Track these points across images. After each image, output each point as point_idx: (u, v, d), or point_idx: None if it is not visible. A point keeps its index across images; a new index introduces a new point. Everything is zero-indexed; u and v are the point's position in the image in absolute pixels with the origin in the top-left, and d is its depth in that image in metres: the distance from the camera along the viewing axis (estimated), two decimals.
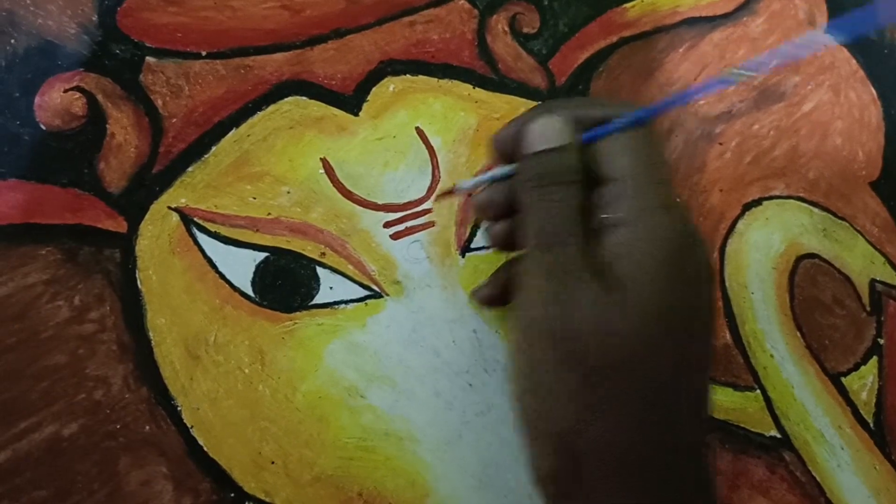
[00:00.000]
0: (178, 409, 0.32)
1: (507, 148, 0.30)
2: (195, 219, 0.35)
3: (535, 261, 0.28)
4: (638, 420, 0.25)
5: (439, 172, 0.38)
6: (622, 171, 0.28)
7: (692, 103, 0.44)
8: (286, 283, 0.35)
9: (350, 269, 0.35)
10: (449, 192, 0.35)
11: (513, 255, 0.31)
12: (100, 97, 0.36)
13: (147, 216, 0.35)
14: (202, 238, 0.35)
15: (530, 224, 0.28)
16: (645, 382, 0.25)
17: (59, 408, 0.31)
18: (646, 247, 0.26)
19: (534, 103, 0.41)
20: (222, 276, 0.34)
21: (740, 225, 0.42)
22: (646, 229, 0.27)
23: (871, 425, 0.39)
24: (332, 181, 0.37)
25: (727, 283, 0.40)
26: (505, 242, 0.31)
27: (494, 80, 0.41)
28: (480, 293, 0.34)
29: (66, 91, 0.35)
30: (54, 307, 0.32)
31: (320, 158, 0.37)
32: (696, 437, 0.27)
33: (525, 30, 0.43)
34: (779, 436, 0.38)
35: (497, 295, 0.32)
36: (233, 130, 0.37)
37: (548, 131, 0.29)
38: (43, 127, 0.35)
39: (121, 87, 0.36)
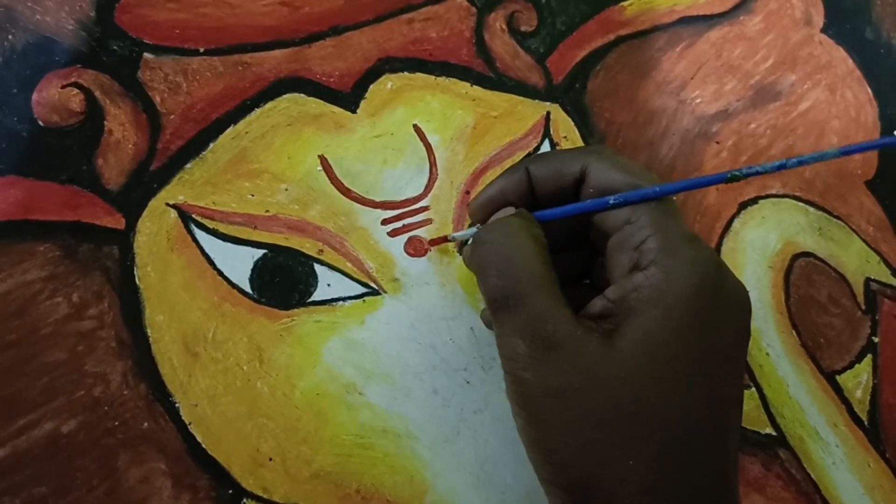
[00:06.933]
0: (177, 405, 0.32)
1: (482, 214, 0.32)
2: (193, 216, 0.35)
3: (503, 324, 0.27)
4: (654, 462, 0.25)
5: (437, 170, 0.38)
6: (633, 216, 0.28)
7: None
8: (284, 280, 0.35)
9: (348, 267, 0.36)
10: (443, 239, 0.36)
11: None
12: (98, 93, 0.36)
13: (145, 213, 0.34)
14: (200, 235, 0.35)
15: (485, 286, 0.28)
16: (661, 424, 0.25)
17: (58, 404, 0.31)
18: (679, 280, 0.26)
19: (531, 101, 0.41)
20: (220, 273, 0.34)
21: (736, 223, 0.42)
22: (677, 264, 0.26)
23: (866, 423, 0.39)
24: (330, 178, 0.37)
25: None
26: None
27: (492, 77, 0.41)
28: (486, 316, 0.34)
29: (63, 87, 0.35)
30: (53, 304, 0.32)
31: (318, 156, 0.37)
32: (723, 471, 0.26)
33: (523, 28, 0.43)
34: (774, 433, 0.38)
35: None
36: (231, 127, 0.37)
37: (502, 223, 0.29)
38: (41, 123, 0.34)
39: (119, 84, 0.36)
